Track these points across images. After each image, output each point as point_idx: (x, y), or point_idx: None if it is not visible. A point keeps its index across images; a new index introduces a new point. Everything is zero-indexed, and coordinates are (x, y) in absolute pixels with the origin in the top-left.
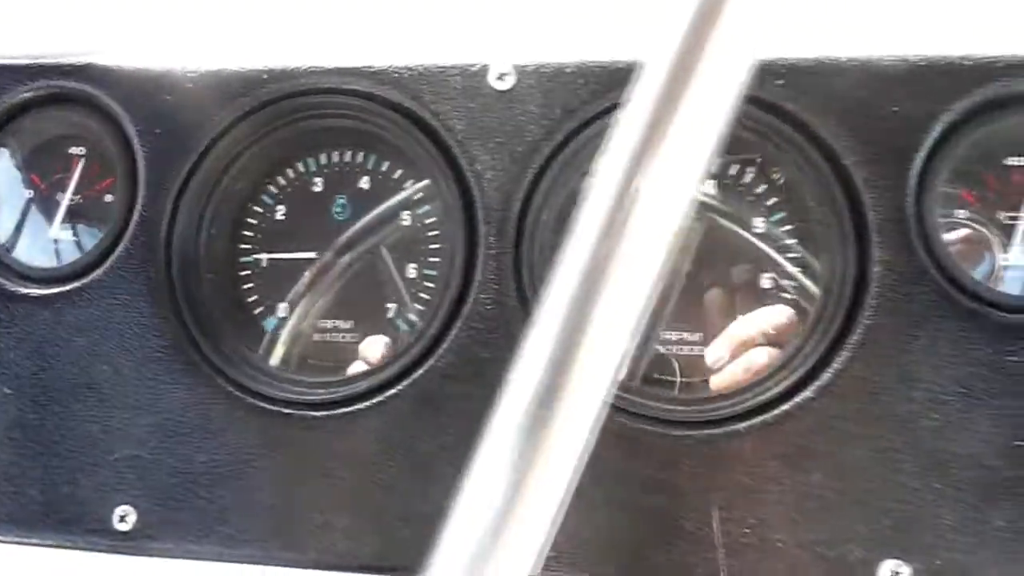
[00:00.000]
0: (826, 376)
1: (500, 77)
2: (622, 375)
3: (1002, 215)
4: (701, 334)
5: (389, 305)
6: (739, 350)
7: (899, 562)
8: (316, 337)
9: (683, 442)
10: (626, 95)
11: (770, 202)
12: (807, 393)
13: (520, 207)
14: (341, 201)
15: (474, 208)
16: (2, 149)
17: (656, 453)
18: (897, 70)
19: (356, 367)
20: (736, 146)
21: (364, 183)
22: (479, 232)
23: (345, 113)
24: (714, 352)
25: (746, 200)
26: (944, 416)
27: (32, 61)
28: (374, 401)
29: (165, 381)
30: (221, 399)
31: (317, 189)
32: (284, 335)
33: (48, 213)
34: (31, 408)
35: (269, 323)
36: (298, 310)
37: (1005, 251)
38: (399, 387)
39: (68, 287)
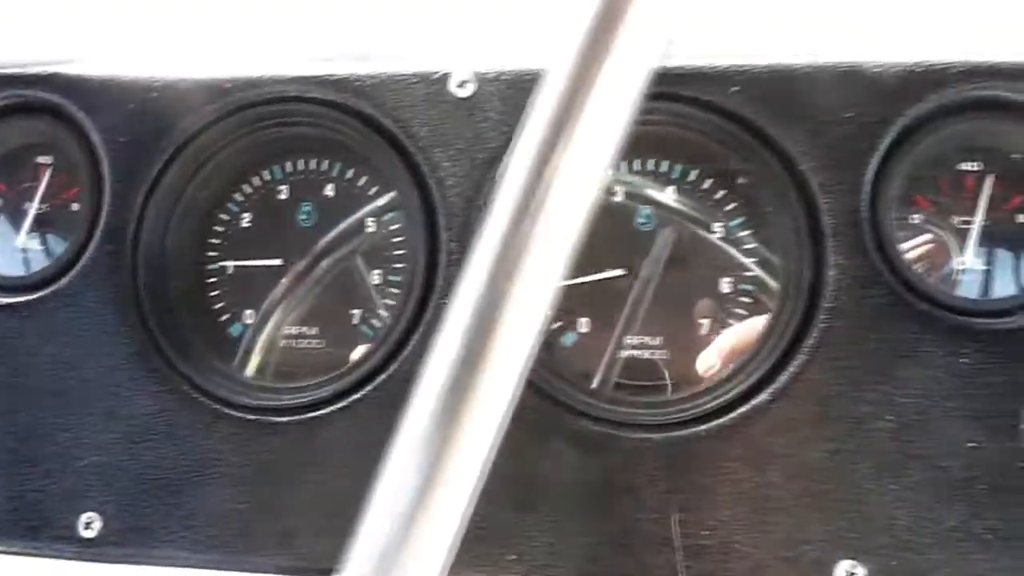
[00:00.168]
0: (783, 379)
1: (461, 85)
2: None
3: (956, 220)
4: (662, 338)
5: (354, 311)
6: (730, 358)
7: (854, 562)
8: (283, 343)
9: (642, 445)
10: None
11: (729, 207)
12: (764, 396)
13: (481, 213)
14: (307, 208)
15: (436, 214)
16: None
17: (616, 456)
18: (851, 76)
19: None
20: (695, 152)
21: (329, 190)
22: (441, 238)
23: (309, 121)
24: (706, 360)
25: (705, 205)
26: (898, 418)
27: None
28: (339, 406)
29: (131, 388)
30: (187, 405)
31: (283, 197)
32: (259, 344)
33: (15, 222)
34: None
35: (235, 329)
36: (273, 318)
37: (961, 255)
38: (364, 391)
39: (35, 295)
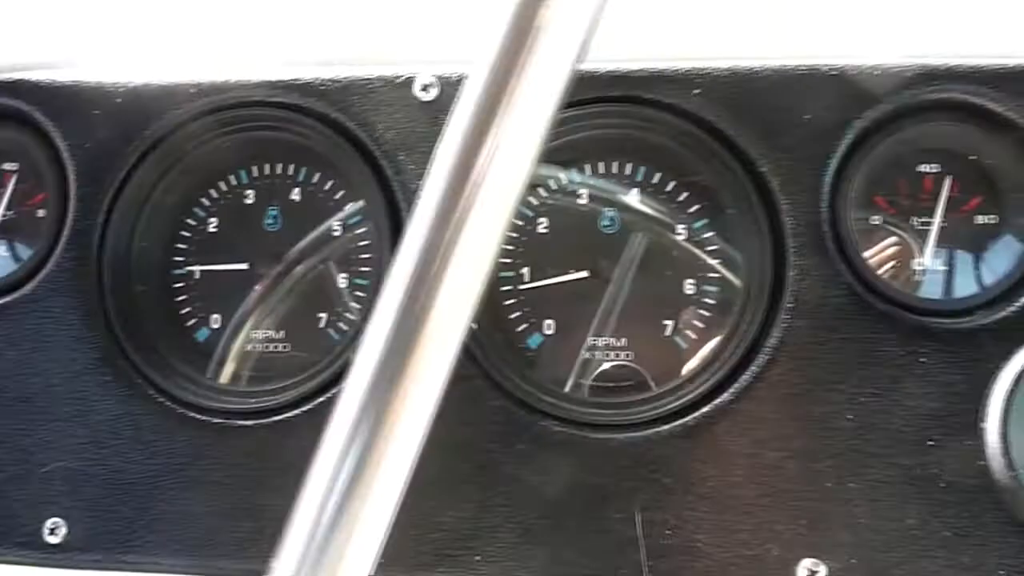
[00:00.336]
0: (744, 379)
1: (424, 88)
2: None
3: (916, 221)
4: (626, 339)
5: (321, 315)
6: None
7: (816, 560)
8: (249, 348)
9: (607, 445)
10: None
11: (692, 209)
12: (726, 396)
13: None
14: (273, 213)
15: (401, 217)
16: None
17: (580, 457)
18: (810, 79)
19: None
20: (658, 155)
21: (295, 195)
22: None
23: (274, 125)
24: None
25: (669, 207)
26: (859, 417)
27: None
28: (305, 409)
29: (97, 393)
30: (153, 410)
31: (249, 201)
32: (232, 353)
33: None
34: None
35: (202, 334)
36: (246, 327)
37: (921, 255)
38: (329, 394)
39: (1, 301)
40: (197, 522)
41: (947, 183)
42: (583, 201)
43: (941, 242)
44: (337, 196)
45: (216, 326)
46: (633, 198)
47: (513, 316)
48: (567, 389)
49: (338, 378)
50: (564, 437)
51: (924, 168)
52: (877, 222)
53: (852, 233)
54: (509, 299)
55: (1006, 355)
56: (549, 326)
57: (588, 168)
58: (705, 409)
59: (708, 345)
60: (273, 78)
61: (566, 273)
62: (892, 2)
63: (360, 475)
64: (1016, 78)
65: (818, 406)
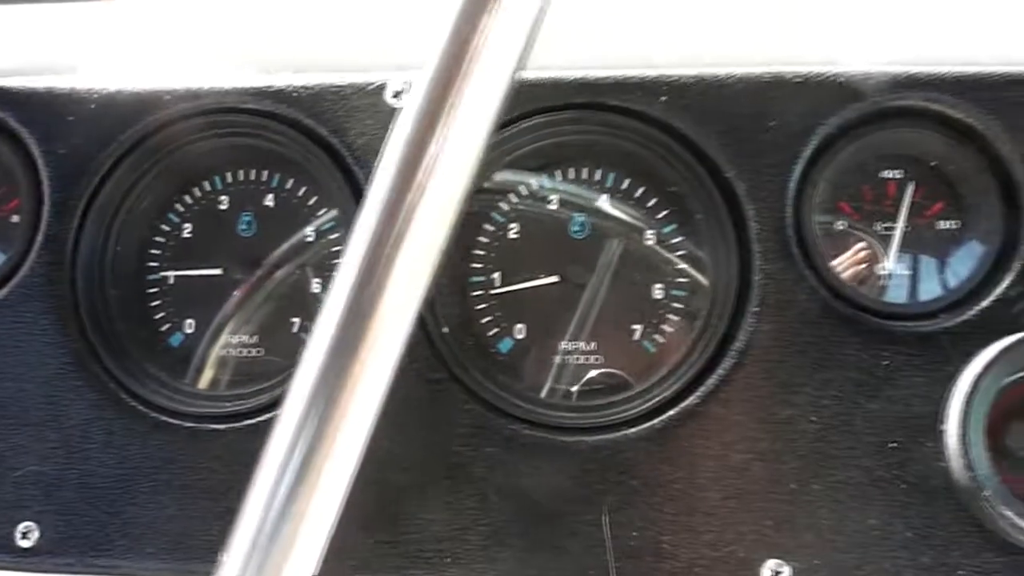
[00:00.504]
0: (711, 382)
1: (396, 95)
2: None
3: (880, 226)
4: (595, 344)
5: (294, 320)
6: None
7: (780, 561)
8: (224, 353)
9: (575, 448)
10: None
11: (661, 214)
12: (693, 399)
13: None
14: (247, 218)
15: None
16: None
17: (550, 459)
18: (775, 86)
19: None
20: (626, 160)
21: (269, 200)
22: None
23: (248, 132)
24: None
25: (638, 212)
26: (822, 419)
27: None
28: (276, 413)
29: (70, 398)
30: (126, 414)
31: (223, 207)
32: (211, 360)
33: None
34: None
35: (175, 339)
36: (225, 331)
37: (885, 260)
38: None
39: None
40: (169, 525)
41: (910, 189)
42: (553, 207)
43: (905, 247)
44: (310, 202)
45: (190, 331)
46: (603, 204)
47: (484, 320)
48: (543, 394)
49: None
50: (534, 440)
51: (887, 174)
52: (842, 227)
53: (817, 238)
54: (480, 304)
55: (966, 358)
56: (520, 330)
57: (558, 174)
58: (672, 412)
59: (676, 349)
60: (246, 85)
61: (537, 278)
62: (856, 12)
63: (306, 472)
64: (976, 86)
65: (783, 409)
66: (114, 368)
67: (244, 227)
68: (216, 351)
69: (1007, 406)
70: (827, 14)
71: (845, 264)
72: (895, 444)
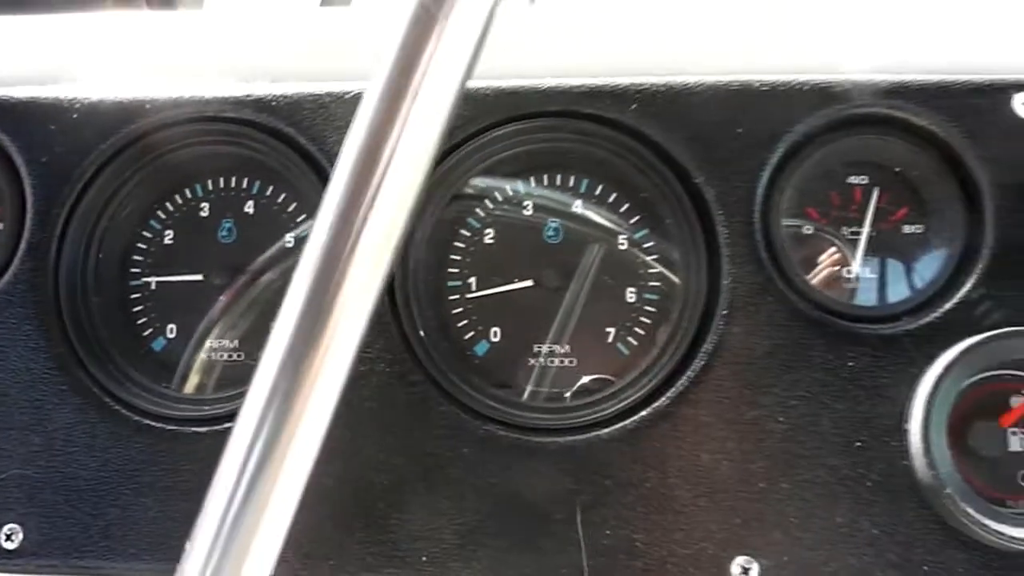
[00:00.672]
0: (681, 383)
1: None
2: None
3: (846, 230)
4: (570, 346)
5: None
6: None
7: (749, 558)
8: (206, 357)
9: (549, 448)
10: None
11: (633, 219)
12: (664, 400)
13: None
14: (227, 225)
15: None
16: None
17: (524, 459)
18: (743, 95)
19: None
20: (599, 167)
21: (249, 207)
22: None
23: (228, 140)
24: None
25: (611, 218)
26: (789, 419)
27: None
28: None
29: (53, 401)
30: (108, 417)
31: (204, 214)
32: (197, 365)
33: None
34: None
35: (158, 343)
36: (210, 337)
37: (852, 263)
38: None
39: None
40: (151, 526)
41: (875, 194)
42: (528, 212)
43: (872, 251)
44: (290, 209)
45: (172, 336)
46: (577, 209)
47: (461, 324)
48: (525, 397)
49: None
50: (509, 441)
51: (854, 180)
52: (809, 232)
53: (784, 243)
54: (457, 307)
55: (929, 359)
56: (495, 333)
57: (532, 180)
58: (644, 413)
59: (649, 351)
60: (227, 94)
61: (511, 282)
62: (821, 23)
63: (265, 461)
64: (938, 94)
65: (751, 409)
66: (97, 372)
67: (225, 234)
68: (201, 357)
69: (969, 406)
70: (793, 24)
71: (821, 268)
72: (861, 444)
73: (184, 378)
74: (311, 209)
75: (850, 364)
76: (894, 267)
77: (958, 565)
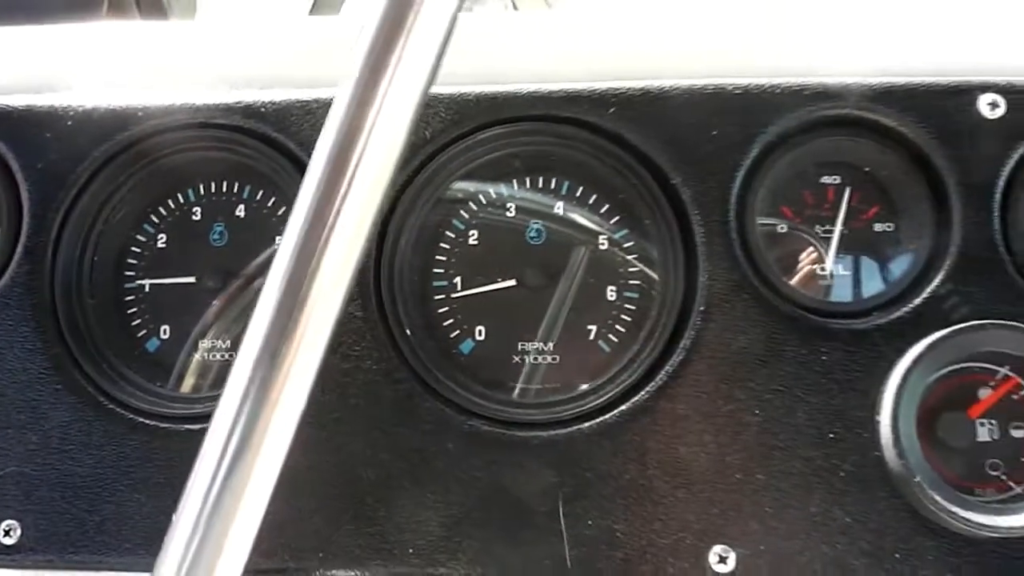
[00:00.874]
0: (660, 378)
1: None
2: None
3: (819, 229)
4: (552, 344)
5: None
6: None
7: (726, 547)
8: (200, 358)
9: (530, 443)
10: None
11: (613, 220)
12: (643, 395)
13: (380, 229)
14: (219, 229)
15: None
16: None
17: (508, 453)
18: (717, 98)
19: None
20: (579, 169)
21: (240, 212)
22: None
23: (219, 146)
24: None
25: (591, 219)
26: (765, 413)
27: None
28: None
29: (49, 401)
30: (103, 416)
31: (196, 218)
32: (192, 367)
33: None
34: None
35: (152, 344)
36: (205, 339)
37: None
38: None
39: None
40: (146, 522)
41: (847, 194)
42: (511, 214)
43: (844, 249)
44: (279, 212)
45: (165, 336)
46: (558, 211)
47: (446, 323)
48: (515, 395)
49: None
50: (492, 436)
51: (826, 180)
52: (784, 230)
53: (759, 241)
54: (442, 307)
55: (898, 353)
56: (480, 332)
57: (515, 183)
58: (624, 407)
59: (629, 348)
60: (217, 101)
61: (495, 282)
62: (793, 27)
63: (241, 451)
64: (906, 96)
65: (728, 403)
66: (92, 372)
67: (216, 237)
68: (196, 357)
69: (939, 398)
70: (766, 29)
71: (800, 267)
72: (834, 435)
73: (180, 378)
74: None
75: (823, 358)
76: (866, 264)
77: (928, 552)
